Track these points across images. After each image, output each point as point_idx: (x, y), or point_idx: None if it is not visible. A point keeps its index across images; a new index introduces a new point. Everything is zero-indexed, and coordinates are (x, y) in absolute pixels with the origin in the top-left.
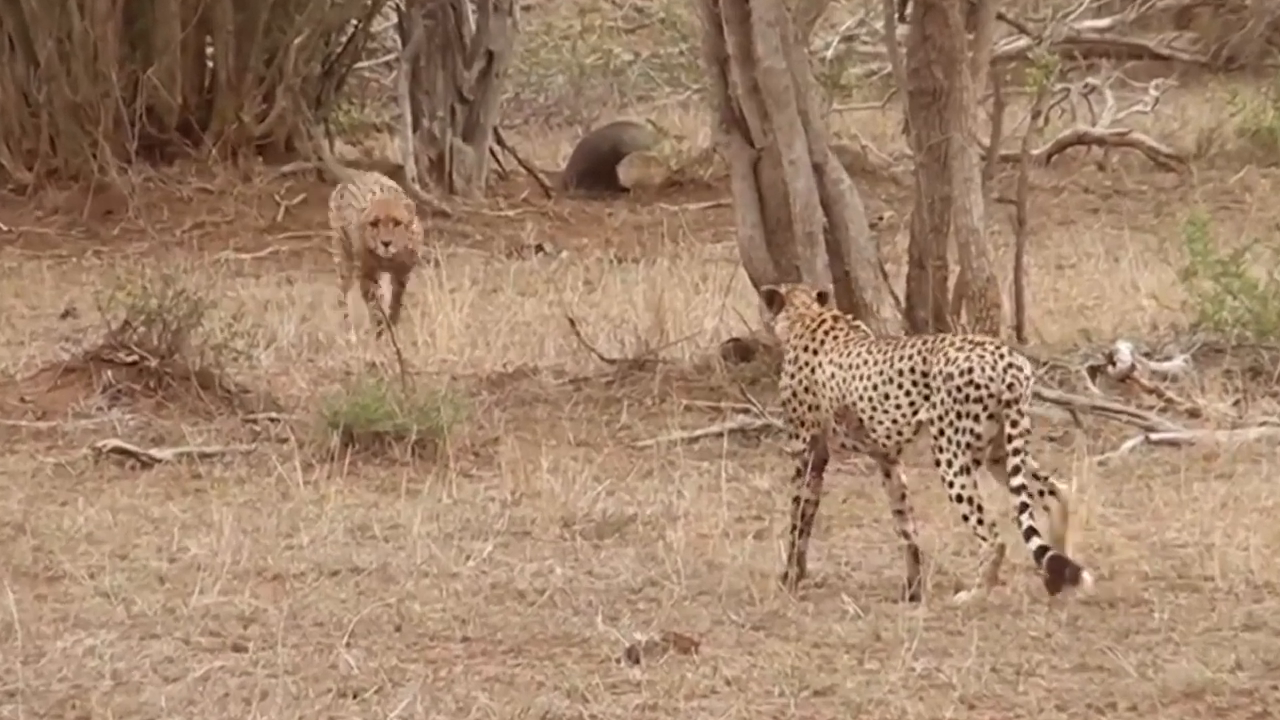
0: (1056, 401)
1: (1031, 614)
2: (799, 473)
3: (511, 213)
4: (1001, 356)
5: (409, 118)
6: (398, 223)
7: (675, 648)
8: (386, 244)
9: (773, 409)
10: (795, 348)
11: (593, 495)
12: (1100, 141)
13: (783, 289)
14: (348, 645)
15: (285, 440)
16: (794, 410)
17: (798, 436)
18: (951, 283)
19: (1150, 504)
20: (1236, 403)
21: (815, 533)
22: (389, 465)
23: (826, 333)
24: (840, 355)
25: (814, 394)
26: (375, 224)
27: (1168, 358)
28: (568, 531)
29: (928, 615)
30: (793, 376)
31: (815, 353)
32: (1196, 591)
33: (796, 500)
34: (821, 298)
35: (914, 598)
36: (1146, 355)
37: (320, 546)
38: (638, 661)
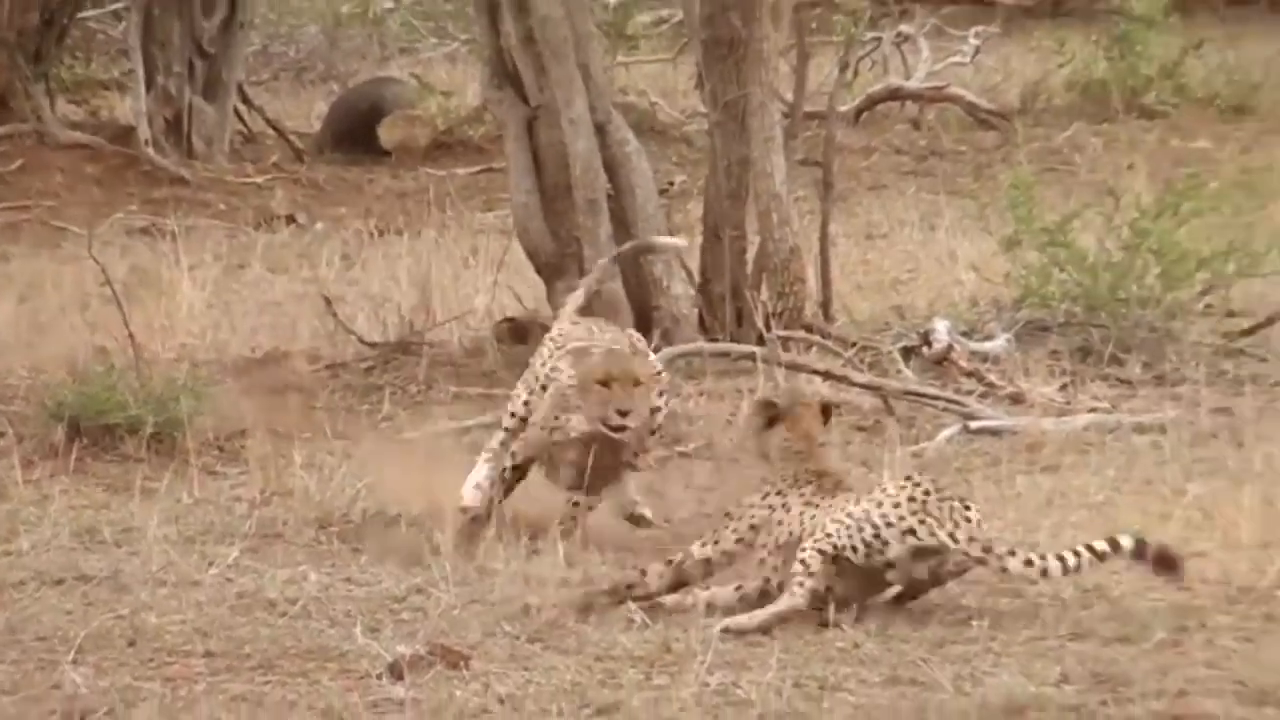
0: (866, 386)
1: (838, 624)
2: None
3: (260, 179)
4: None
5: (141, 73)
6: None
7: (443, 662)
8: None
9: None
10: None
11: (351, 494)
12: (915, 97)
13: (781, 403)
14: (74, 661)
15: (2, 434)
16: (733, 522)
17: (715, 543)
18: (751, 254)
19: (969, 499)
20: (1064, 387)
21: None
22: (121, 462)
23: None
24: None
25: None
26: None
27: (989, 337)
28: (323, 534)
29: (722, 625)
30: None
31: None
32: (1019, 597)
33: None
34: (826, 413)
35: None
36: (965, 334)
37: (42, 552)
38: (401, 678)
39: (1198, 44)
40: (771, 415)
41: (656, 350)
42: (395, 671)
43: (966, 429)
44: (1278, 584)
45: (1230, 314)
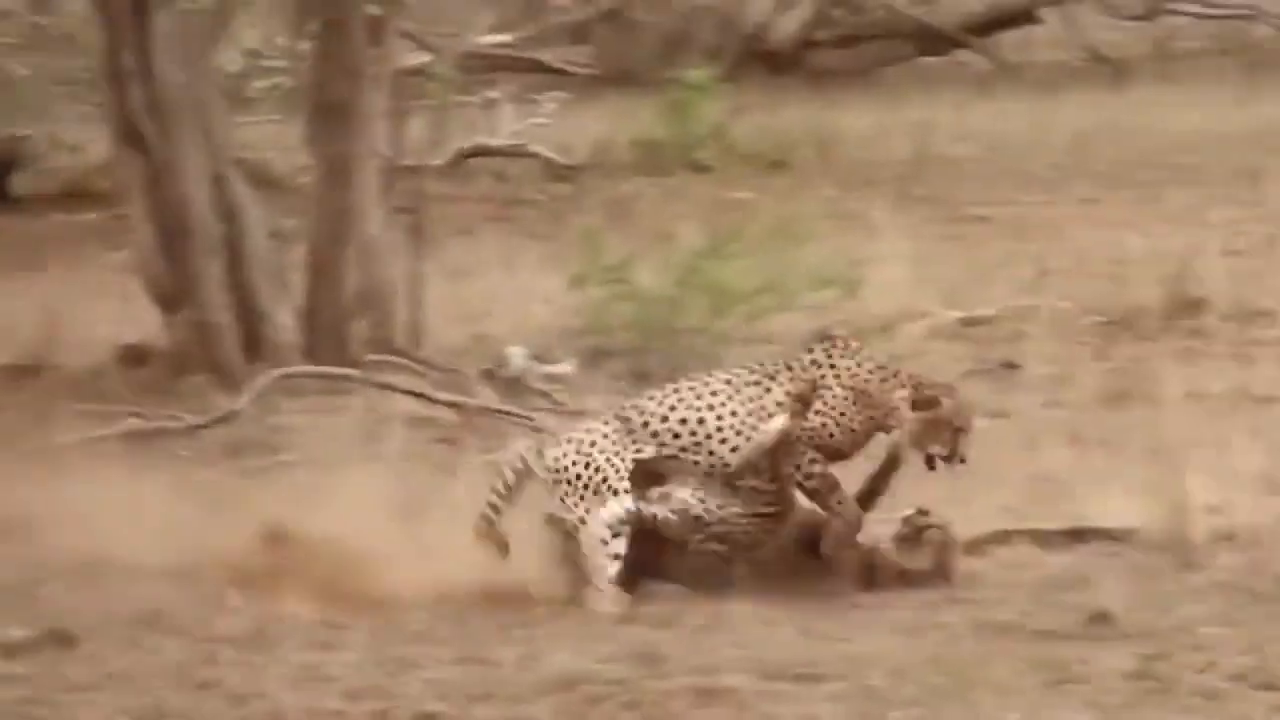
0: (448, 404)
1: (417, 609)
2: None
3: None
4: None
5: None
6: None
7: (55, 643)
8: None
9: (167, 411)
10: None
11: None
12: (498, 153)
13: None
14: None
15: None
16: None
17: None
18: (351, 291)
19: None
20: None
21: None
22: None
23: None
24: None
25: None
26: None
27: (558, 362)
28: None
29: (314, 609)
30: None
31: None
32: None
33: None
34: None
35: None
36: (537, 359)
37: None
38: (13, 657)
39: (742, 108)
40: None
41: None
42: (8, 651)
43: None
44: None
45: (768, 342)
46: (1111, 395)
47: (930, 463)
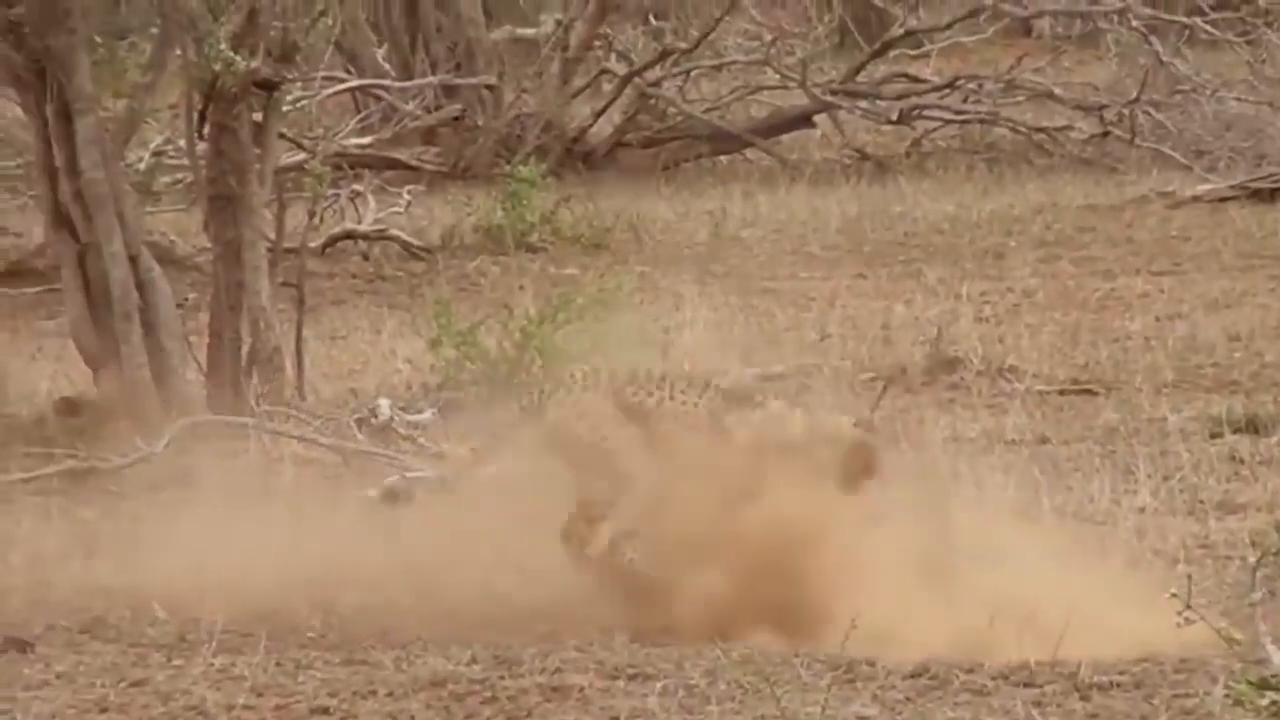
0: (329, 446)
1: (310, 618)
2: None
3: None
4: None
5: None
6: None
7: (13, 648)
8: None
9: (98, 453)
10: None
11: None
12: (364, 236)
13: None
14: None
15: None
16: None
17: None
18: (245, 351)
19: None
20: (473, 449)
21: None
22: None
23: None
24: None
25: None
26: None
27: (419, 411)
28: None
29: (225, 620)
30: None
31: None
32: (439, 599)
33: None
34: None
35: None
36: (402, 409)
37: None
38: None
39: (567, 198)
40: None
41: None
42: None
43: (404, 477)
44: None
45: None
46: (884, 438)
47: None
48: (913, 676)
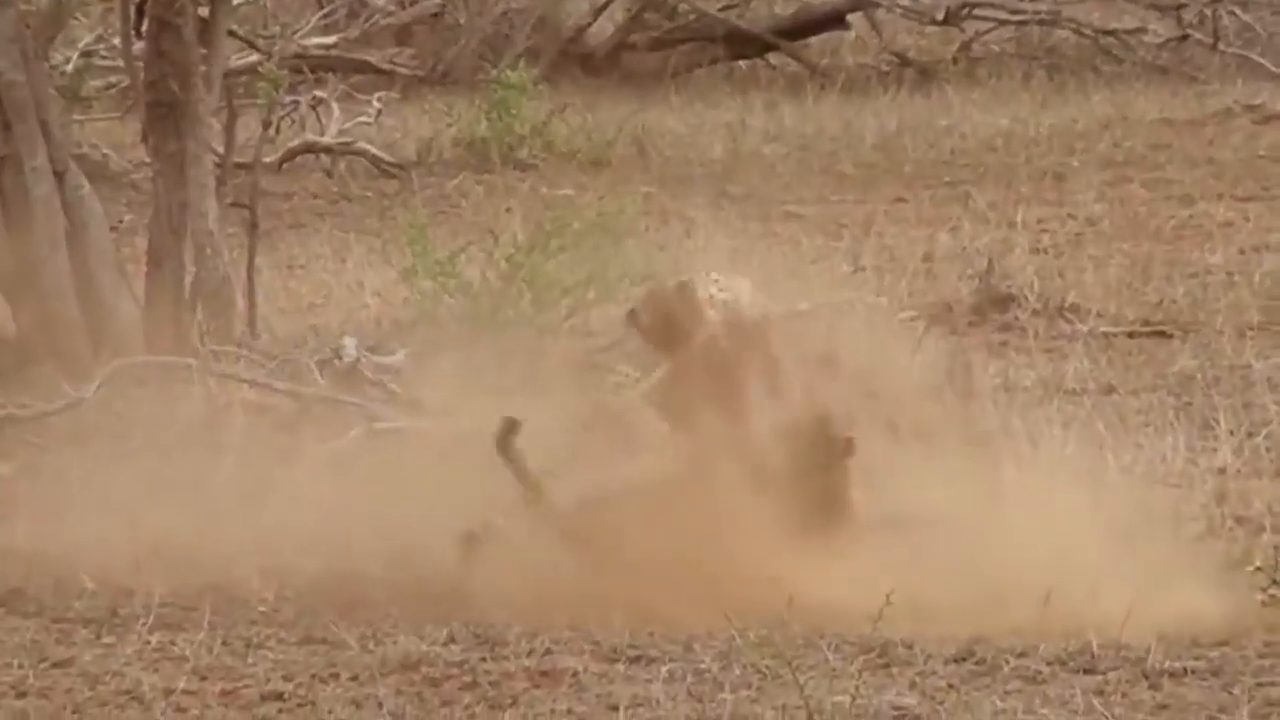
0: (286, 392)
1: (262, 590)
2: None
3: None
4: None
5: None
6: None
7: None
8: None
9: (16, 400)
10: None
11: None
12: (327, 150)
13: None
14: None
15: None
16: None
17: None
18: (189, 282)
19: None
20: (455, 396)
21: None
22: None
23: None
24: None
25: None
26: None
27: (391, 352)
28: None
29: (164, 592)
30: None
31: None
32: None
33: None
34: None
35: None
36: (371, 350)
37: None
38: None
39: (562, 108)
40: None
41: None
42: None
43: (373, 428)
44: None
45: (589, 334)
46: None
47: None
48: (956, 661)
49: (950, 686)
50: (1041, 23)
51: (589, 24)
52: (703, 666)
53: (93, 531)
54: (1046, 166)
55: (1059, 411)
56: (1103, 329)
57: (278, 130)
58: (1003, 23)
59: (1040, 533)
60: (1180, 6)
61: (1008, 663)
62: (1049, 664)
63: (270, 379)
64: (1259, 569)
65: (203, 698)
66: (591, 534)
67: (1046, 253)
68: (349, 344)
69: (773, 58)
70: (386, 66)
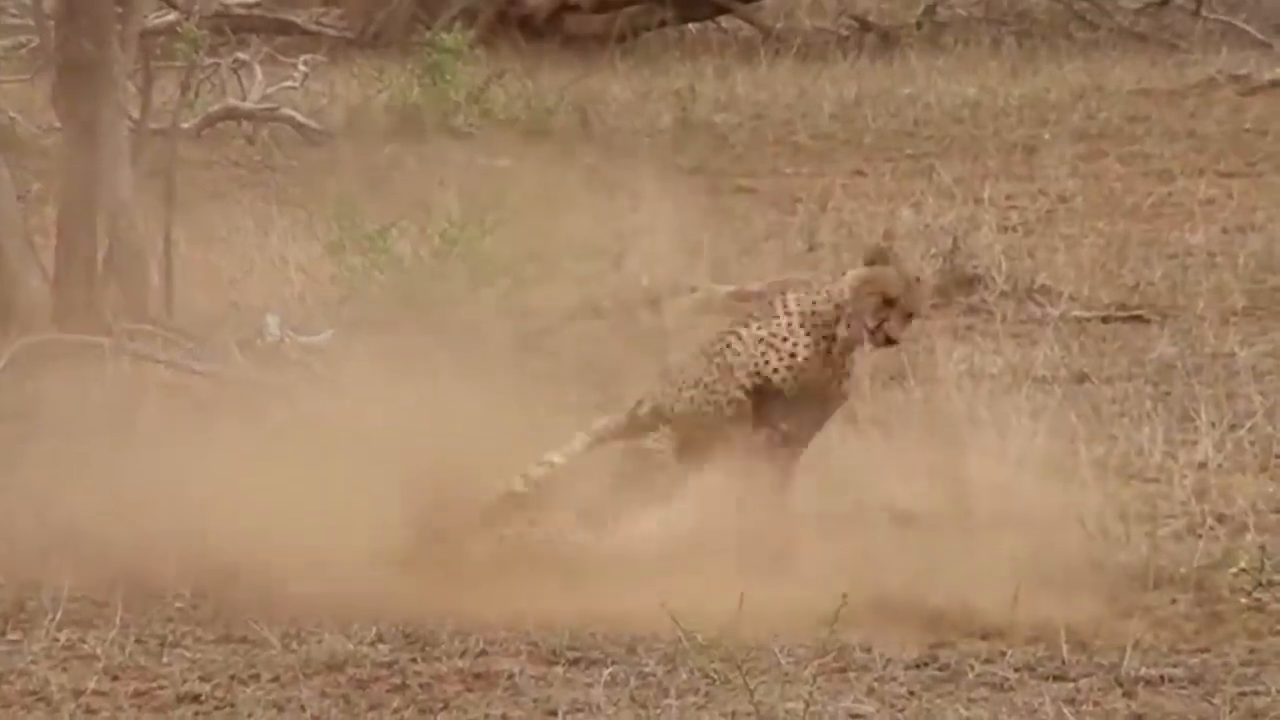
0: (204, 373)
1: (177, 586)
2: None
3: None
4: None
5: None
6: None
7: None
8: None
9: None
10: None
11: None
12: (250, 116)
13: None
14: None
15: None
16: None
17: None
18: (101, 256)
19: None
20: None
21: None
22: None
23: None
24: None
25: None
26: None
27: (316, 332)
28: None
29: (74, 585)
30: None
31: None
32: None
33: None
34: None
35: None
36: (295, 329)
37: None
38: None
39: (500, 73)
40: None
41: None
42: None
43: (295, 413)
44: None
45: (527, 314)
46: (887, 373)
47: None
48: (917, 666)
49: (911, 694)
50: None
51: None
52: (647, 670)
53: None
54: (1016, 139)
55: (1028, 400)
56: (1075, 313)
57: (197, 94)
58: None
59: (1007, 530)
60: None
61: (972, 668)
62: (1016, 670)
63: (188, 359)
64: (1242, 570)
65: (115, 699)
66: None
67: (1015, 231)
68: (272, 322)
69: (724, 21)
70: (313, 27)
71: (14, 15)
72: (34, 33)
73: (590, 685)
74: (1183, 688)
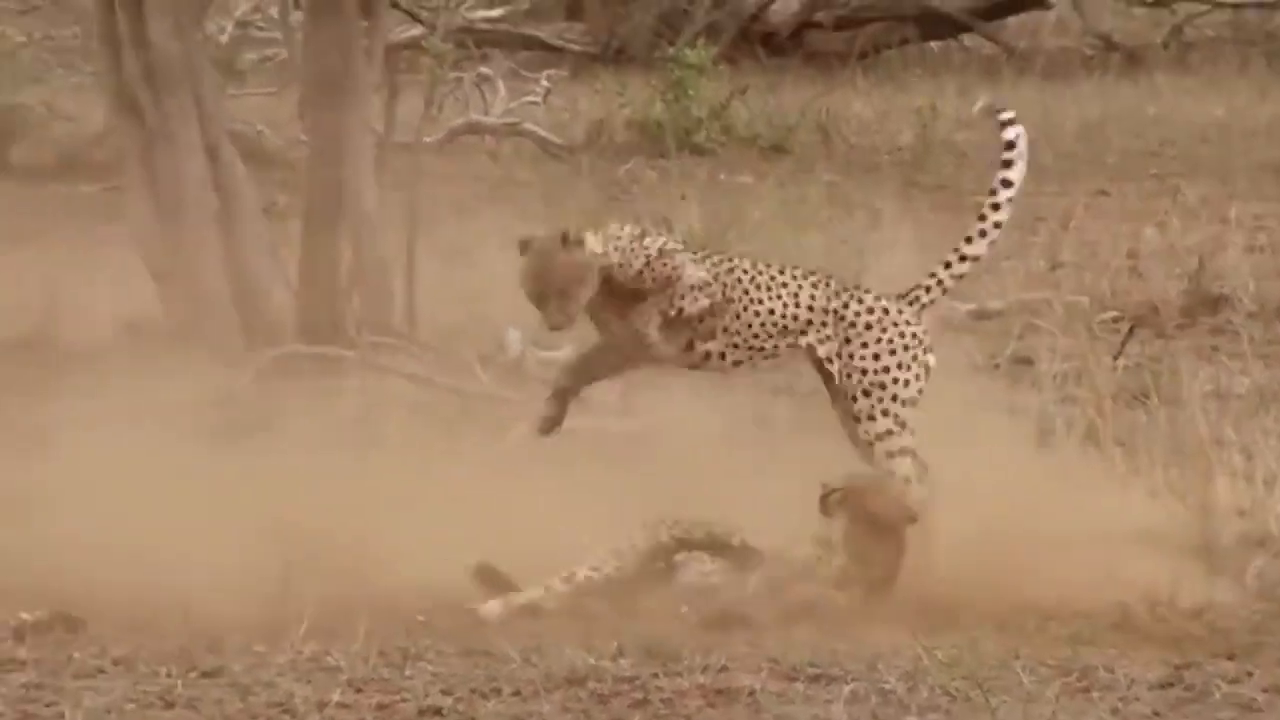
0: (446, 387)
1: (419, 599)
2: None
3: None
4: None
5: None
6: None
7: (62, 627)
8: None
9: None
10: None
11: None
12: (493, 131)
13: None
14: None
15: None
16: None
17: None
18: (345, 268)
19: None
20: (624, 393)
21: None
22: None
23: None
24: None
25: None
26: None
27: (557, 346)
28: None
29: (317, 599)
30: None
31: None
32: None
33: None
34: None
35: None
36: (536, 343)
37: None
38: (23, 640)
39: (742, 90)
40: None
41: None
42: (18, 634)
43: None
44: None
45: None
46: (1130, 393)
47: None
48: (1162, 686)
49: (1156, 714)
50: (1260, 5)
51: (772, 0)
52: (887, 687)
53: (242, 537)
54: (1265, 160)
55: (1276, 422)
56: None
57: (440, 109)
58: (1218, 5)
59: (1253, 551)
60: None
61: (1219, 689)
62: (1265, 691)
63: (431, 373)
64: None
65: (358, 711)
66: None
67: (1263, 251)
68: (514, 336)
69: (967, 39)
70: (556, 43)
71: (261, 28)
72: (281, 46)
73: (830, 702)
74: None
